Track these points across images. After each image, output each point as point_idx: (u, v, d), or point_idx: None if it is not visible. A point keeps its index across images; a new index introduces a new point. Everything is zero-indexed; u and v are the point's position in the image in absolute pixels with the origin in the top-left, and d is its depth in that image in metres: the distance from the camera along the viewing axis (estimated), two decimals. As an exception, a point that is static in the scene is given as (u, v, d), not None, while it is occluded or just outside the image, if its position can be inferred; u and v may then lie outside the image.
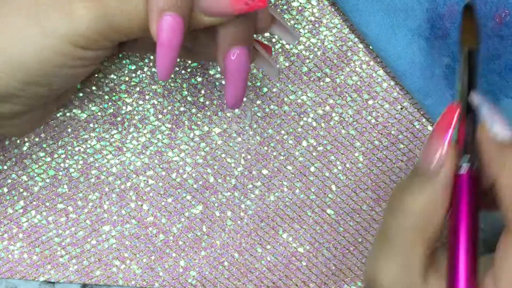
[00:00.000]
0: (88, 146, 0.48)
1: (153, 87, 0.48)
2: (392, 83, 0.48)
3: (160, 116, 0.48)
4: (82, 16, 0.35)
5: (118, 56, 0.48)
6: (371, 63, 0.48)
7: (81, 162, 0.48)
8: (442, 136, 0.37)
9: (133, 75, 0.48)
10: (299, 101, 0.48)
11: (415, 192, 0.36)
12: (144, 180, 0.48)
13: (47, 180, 0.48)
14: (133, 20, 0.36)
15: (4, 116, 0.38)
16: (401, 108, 0.48)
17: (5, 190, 0.48)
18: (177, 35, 0.36)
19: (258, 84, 0.48)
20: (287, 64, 0.48)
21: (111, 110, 0.48)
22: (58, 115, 0.48)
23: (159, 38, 0.35)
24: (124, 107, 0.48)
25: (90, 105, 0.48)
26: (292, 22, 0.48)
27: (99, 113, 0.48)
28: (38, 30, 0.35)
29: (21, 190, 0.48)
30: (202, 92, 0.48)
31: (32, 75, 0.36)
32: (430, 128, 0.49)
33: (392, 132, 0.49)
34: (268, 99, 0.48)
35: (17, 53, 0.36)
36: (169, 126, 0.48)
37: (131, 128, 0.48)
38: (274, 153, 0.49)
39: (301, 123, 0.48)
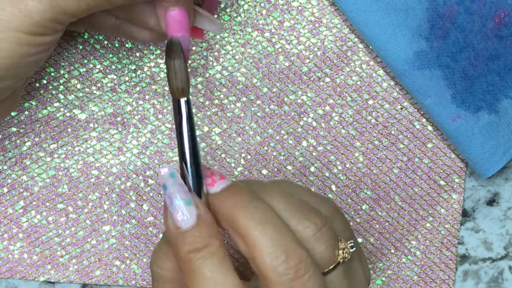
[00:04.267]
0: (88, 146, 0.48)
1: (153, 87, 0.48)
2: (392, 83, 0.48)
3: (160, 116, 0.48)
4: (33, 7, 0.36)
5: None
6: (371, 63, 0.48)
7: (81, 162, 0.48)
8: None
9: (133, 75, 0.48)
10: (299, 101, 0.48)
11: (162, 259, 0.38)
12: (144, 180, 0.48)
13: (47, 180, 0.48)
14: (81, 0, 0.37)
15: None
16: (401, 108, 0.49)
17: (5, 190, 0.48)
18: (183, 26, 0.39)
19: (258, 84, 0.48)
20: (287, 64, 0.48)
21: (111, 110, 0.48)
22: (58, 115, 0.48)
23: (168, 32, 0.39)
24: (124, 107, 0.48)
25: (90, 105, 0.48)
26: (292, 22, 0.48)
27: (99, 113, 0.48)
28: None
29: (21, 190, 0.48)
30: (202, 92, 0.48)
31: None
32: (430, 128, 0.49)
33: (392, 132, 0.49)
34: (268, 99, 0.48)
35: None
36: (169, 126, 0.48)
37: (131, 128, 0.48)
38: (274, 153, 0.49)
39: (301, 123, 0.48)
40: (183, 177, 0.37)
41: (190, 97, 0.38)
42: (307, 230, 0.37)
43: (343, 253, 0.37)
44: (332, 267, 0.37)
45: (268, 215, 0.36)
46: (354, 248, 0.38)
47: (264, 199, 0.37)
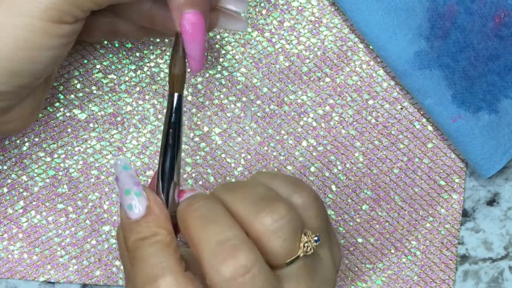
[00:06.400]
0: (88, 146, 0.48)
1: (153, 87, 0.48)
2: (392, 83, 0.48)
3: (160, 116, 0.48)
4: None
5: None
6: (371, 63, 0.48)
7: (81, 162, 0.48)
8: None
9: (133, 75, 0.48)
10: (299, 101, 0.48)
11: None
12: (144, 180, 0.48)
13: (47, 180, 0.48)
14: None
15: None
16: (401, 108, 0.49)
17: (5, 190, 0.48)
18: (200, 30, 0.38)
19: (258, 84, 0.48)
20: (287, 64, 0.48)
21: (111, 110, 0.48)
22: (58, 115, 0.48)
23: (184, 36, 0.38)
24: (124, 107, 0.48)
25: (90, 105, 0.48)
26: (292, 22, 0.48)
27: (99, 113, 0.48)
28: (11, 12, 0.35)
29: (21, 190, 0.48)
30: (202, 92, 0.48)
31: (14, 63, 0.36)
32: (430, 128, 0.49)
33: (392, 132, 0.49)
34: (268, 99, 0.48)
35: None
36: (169, 126, 0.48)
37: (131, 128, 0.48)
38: (274, 153, 0.49)
39: (301, 123, 0.48)
40: (160, 173, 0.39)
41: (186, 94, 0.38)
42: (263, 221, 0.35)
43: (304, 246, 0.36)
44: (289, 260, 0.35)
45: (216, 212, 0.36)
46: (319, 242, 0.37)
47: (224, 196, 0.37)
